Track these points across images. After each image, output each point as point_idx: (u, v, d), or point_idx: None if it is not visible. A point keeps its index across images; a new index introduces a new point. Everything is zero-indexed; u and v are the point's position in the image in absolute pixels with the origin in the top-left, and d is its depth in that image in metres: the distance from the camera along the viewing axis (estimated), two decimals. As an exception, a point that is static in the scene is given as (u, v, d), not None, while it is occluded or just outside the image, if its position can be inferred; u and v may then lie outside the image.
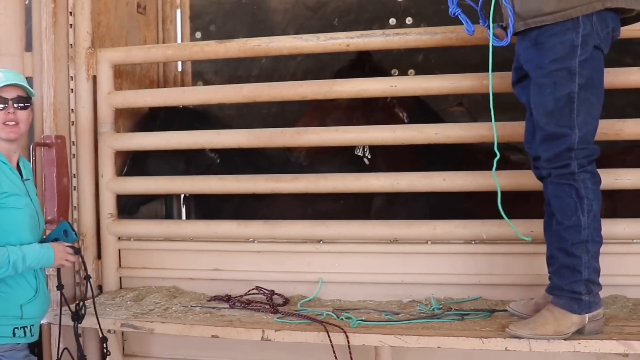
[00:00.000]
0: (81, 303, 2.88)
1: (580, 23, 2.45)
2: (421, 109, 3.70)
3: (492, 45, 2.58)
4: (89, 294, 3.48)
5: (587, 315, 2.51)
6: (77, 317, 2.88)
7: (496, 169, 2.60)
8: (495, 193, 2.59)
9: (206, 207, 3.97)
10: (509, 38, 2.53)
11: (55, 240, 2.75)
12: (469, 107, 3.92)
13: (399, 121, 3.56)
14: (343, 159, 3.58)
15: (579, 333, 2.52)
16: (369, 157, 3.51)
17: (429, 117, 3.54)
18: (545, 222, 2.75)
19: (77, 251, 2.79)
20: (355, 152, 3.52)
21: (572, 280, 2.51)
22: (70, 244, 2.76)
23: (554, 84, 2.48)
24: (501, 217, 2.89)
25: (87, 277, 2.91)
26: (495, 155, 2.56)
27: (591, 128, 2.52)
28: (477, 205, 3.28)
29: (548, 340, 2.49)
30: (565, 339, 2.49)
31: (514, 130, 3.06)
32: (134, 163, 3.76)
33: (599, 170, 2.56)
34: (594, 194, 2.51)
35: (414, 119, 3.55)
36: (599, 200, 2.53)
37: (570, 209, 2.50)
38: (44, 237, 2.81)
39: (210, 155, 3.86)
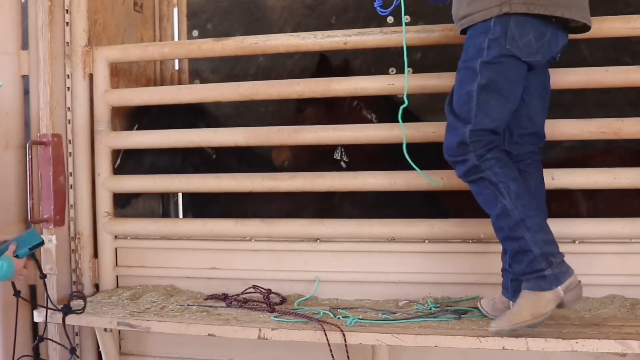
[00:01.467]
0: None
1: (492, 28, 2.52)
2: (392, 109, 3.71)
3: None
4: (86, 292, 3.54)
5: (559, 287, 2.48)
6: None
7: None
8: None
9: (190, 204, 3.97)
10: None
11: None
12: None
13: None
14: (323, 164, 3.58)
15: (560, 307, 2.51)
16: (347, 160, 3.57)
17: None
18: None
19: (32, 255, 2.82)
20: (335, 157, 3.59)
21: (528, 261, 2.50)
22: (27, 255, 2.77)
23: (461, 82, 2.59)
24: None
25: (43, 276, 2.95)
26: None
27: (487, 126, 2.55)
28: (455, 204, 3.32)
29: (531, 328, 2.50)
30: (541, 321, 2.50)
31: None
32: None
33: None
34: (506, 175, 2.53)
35: (384, 120, 3.55)
36: (515, 179, 2.54)
37: (492, 198, 2.54)
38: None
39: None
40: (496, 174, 2.53)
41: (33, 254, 2.84)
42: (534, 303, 2.50)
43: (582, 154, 3.59)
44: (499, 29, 2.51)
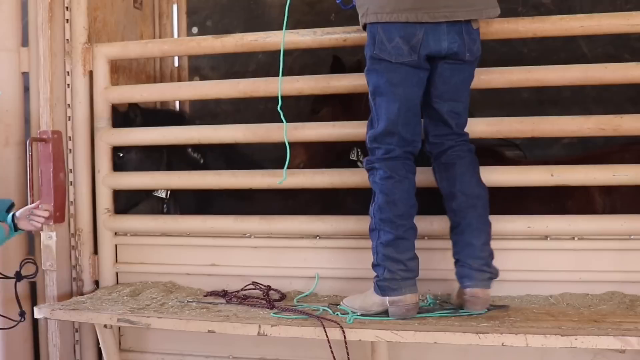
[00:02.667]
0: None
1: (367, 36, 2.70)
2: None
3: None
4: (86, 288, 3.55)
5: (386, 298, 2.70)
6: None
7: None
8: None
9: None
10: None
11: None
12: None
13: None
14: (339, 166, 3.58)
15: (386, 314, 2.73)
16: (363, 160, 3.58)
17: None
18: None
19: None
20: (350, 157, 3.58)
21: (373, 263, 2.77)
22: None
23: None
24: (497, 214, 2.91)
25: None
26: None
27: (382, 130, 2.71)
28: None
29: (367, 317, 2.75)
30: (370, 316, 2.76)
31: (511, 126, 3.07)
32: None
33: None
34: (381, 188, 2.72)
35: None
36: (388, 194, 2.70)
37: (372, 195, 2.77)
38: None
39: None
40: (375, 182, 2.75)
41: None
42: (367, 298, 2.79)
43: (599, 150, 3.59)
44: (370, 36, 2.69)
